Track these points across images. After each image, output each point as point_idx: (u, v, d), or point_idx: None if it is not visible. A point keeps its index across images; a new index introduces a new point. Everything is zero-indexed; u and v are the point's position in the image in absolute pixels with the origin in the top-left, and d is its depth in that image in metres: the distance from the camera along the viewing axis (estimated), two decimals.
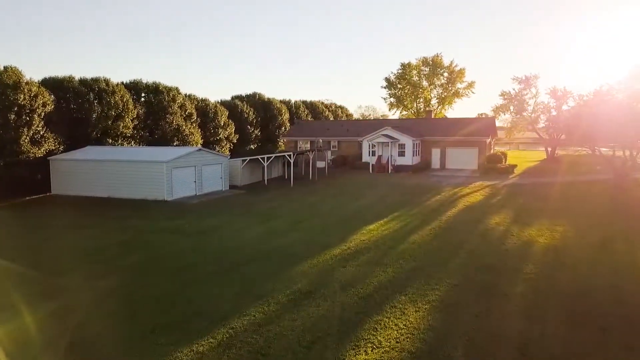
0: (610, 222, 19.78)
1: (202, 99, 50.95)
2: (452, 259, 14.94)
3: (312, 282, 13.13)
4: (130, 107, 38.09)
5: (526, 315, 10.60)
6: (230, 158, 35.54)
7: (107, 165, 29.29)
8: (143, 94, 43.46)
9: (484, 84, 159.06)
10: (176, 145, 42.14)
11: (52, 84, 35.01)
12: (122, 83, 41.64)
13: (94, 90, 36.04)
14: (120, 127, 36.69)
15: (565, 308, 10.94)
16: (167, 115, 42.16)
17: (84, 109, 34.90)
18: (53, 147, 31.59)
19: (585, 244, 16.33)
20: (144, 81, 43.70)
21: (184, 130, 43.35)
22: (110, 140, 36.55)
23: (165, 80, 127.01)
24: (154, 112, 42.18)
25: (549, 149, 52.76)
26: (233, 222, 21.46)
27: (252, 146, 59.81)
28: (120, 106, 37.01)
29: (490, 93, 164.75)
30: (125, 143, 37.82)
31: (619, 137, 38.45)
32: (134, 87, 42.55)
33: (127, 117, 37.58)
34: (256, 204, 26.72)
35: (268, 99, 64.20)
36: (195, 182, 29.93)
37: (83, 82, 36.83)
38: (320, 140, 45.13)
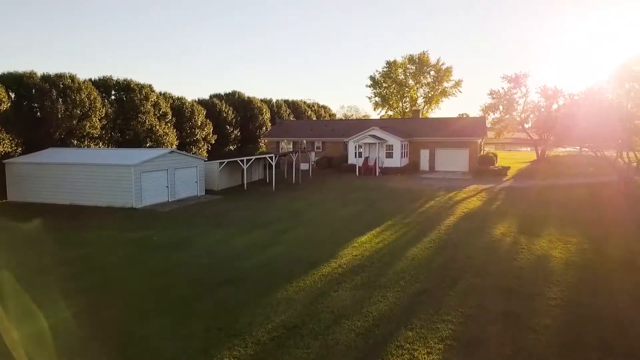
0: (625, 233, 18.02)
1: (177, 97, 48.27)
2: (460, 280, 12.88)
3: (298, 312, 10.93)
4: (98, 105, 35.28)
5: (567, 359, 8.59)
6: (207, 160, 33.06)
7: (70, 169, 26.53)
8: (113, 92, 40.62)
9: (470, 83, 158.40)
10: (149, 147, 39.41)
11: (11, 80, 32.06)
12: (90, 80, 38.76)
13: (57, 87, 33.17)
14: (87, 127, 33.86)
15: (609, 346, 8.96)
16: (140, 115, 39.40)
17: (46, 108, 32.05)
18: (9, 149, 28.71)
19: (607, 260, 14.45)
20: (115, 78, 40.82)
21: (158, 130, 40.62)
22: (75, 142, 33.71)
23: (140, 77, 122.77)
24: (125, 111, 39.38)
25: (539, 150, 51.47)
26: (208, 233, 19.09)
27: (231, 147, 57.23)
28: (87, 104, 34.20)
29: (476, 93, 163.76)
30: (92, 145, 35.01)
31: (610, 137, 37.35)
32: (104, 85, 39.70)
33: (95, 116, 34.76)
34: (234, 211, 24.37)
35: (248, 97, 61.70)
36: (167, 187, 27.40)
37: (46, 78, 33.90)
38: (304, 141, 42.98)
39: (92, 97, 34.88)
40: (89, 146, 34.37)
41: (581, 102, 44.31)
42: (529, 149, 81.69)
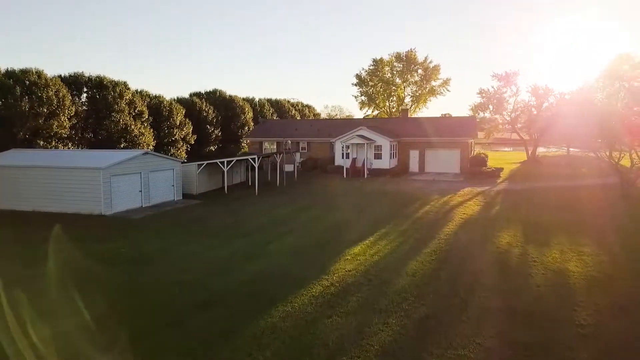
0: None
1: (155, 95, 46.06)
2: (471, 301, 11.22)
3: (286, 345, 9.15)
4: (67, 103, 32.96)
5: None
6: (184, 162, 30.97)
7: (33, 172, 24.19)
8: (85, 89, 38.26)
9: (455, 83, 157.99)
10: (123, 148, 37.11)
11: None
12: (60, 76, 36.36)
13: (22, 84, 30.78)
14: (54, 126, 31.49)
15: None
16: (113, 114, 37.14)
17: (9, 106, 29.63)
18: None
19: (631, 275, 12.96)
20: (87, 74, 38.42)
21: (133, 130, 38.38)
22: (42, 142, 31.32)
23: (117, 75, 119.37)
24: (98, 110, 37.06)
25: (529, 150, 50.42)
26: (183, 244, 17.13)
27: (212, 148, 55.10)
28: (55, 102, 31.88)
29: (462, 93, 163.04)
30: (60, 145, 32.64)
31: (600, 137, 36.42)
32: (75, 81, 37.37)
33: (63, 115, 32.43)
34: (214, 218, 22.42)
35: (230, 96, 59.63)
36: (141, 191, 25.27)
37: (9, 73, 31.54)
38: (289, 142, 41.08)
39: (60, 94, 32.57)
40: (56, 147, 32.01)
41: (572, 101, 43.49)
42: (510, 148, 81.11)
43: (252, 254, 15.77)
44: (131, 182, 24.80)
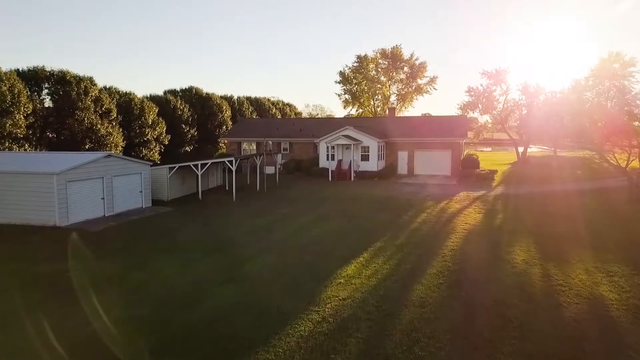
0: None
1: (125, 92, 42.92)
2: (502, 345, 8.96)
3: None
4: (24, 100, 29.80)
5: None
6: (156, 165, 28.21)
7: None
8: (46, 85, 35.02)
9: (441, 82, 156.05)
10: (89, 149, 34.08)
11: None
12: (17, 70, 33.14)
13: None
14: (8, 125, 28.30)
15: None
16: (77, 112, 34.01)
17: None
18: None
19: None
20: (48, 69, 35.18)
21: (100, 130, 35.31)
22: None
23: (87, 71, 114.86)
24: (60, 108, 33.90)
25: (519, 151, 48.84)
26: (144, 265, 14.53)
27: (187, 148, 52.15)
28: (9, 99, 28.68)
29: (447, 91, 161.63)
30: (15, 147, 29.44)
31: (593, 136, 35.02)
32: (34, 76, 34.13)
33: (19, 112, 29.25)
34: (184, 229, 19.82)
35: (207, 94, 56.74)
36: (103, 199, 22.46)
37: None
38: (270, 142, 38.56)
39: (15, 90, 29.40)
40: (10, 149, 28.83)
41: (564, 100, 42.07)
42: (489, 149, 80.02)
43: (224, 277, 13.28)
44: (91, 188, 21.98)
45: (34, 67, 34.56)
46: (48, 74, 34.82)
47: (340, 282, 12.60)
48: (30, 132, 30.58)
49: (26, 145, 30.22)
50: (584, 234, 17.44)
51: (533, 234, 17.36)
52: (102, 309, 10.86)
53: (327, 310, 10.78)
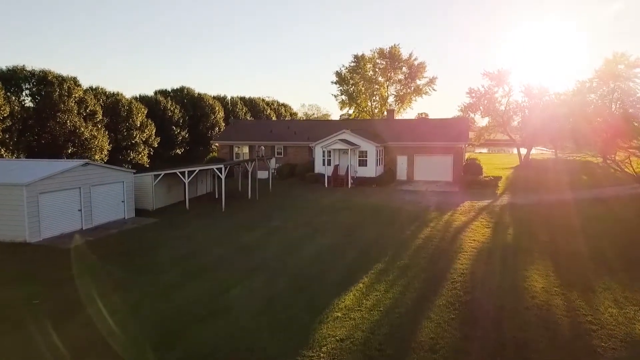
0: None
1: (112, 93, 41.11)
2: None
3: None
4: (0, 101, 27.95)
5: None
6: (140, 172, 26.52)
7: None
8: (27, 85, 33.23)
9: (441, 83, 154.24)
10: (71, 153, 32.34)
11: None
12: None
13: None
14: None
15: None
16: (59, 114, 32.23)
17: None
18: None
19: None
20: (29, 68, 33.40)
21: (84, 133, 33.53)
22: None
23: (74, 72, 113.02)
24: (40, 110, 32.12)
25: (522, 153, 47.27)
26: (116, 291, 12.87)
27: (178, 151, 50.40)
28: None
29: (445, 93, 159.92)
30: None
31: (597, 140, 33.61)
32: (13, 76, 32.34)
33: None
34: (166, 244, 18.17)
35: (199, 94, 55.00)
36: (80, 210, 20.76)
37: None
38: (262, 148, 36.77)
39: None
40: None
41: (568, 102, 40.58)
42: (486, 150, 78.39)
43: (205, 308, 11.65)
44: (67, 199, 20.27)
45: (13, 67, 32.77)
46: (28, 73, 33.05)
47: (337, 317, 11.00)
48: (7, 135, 28.77)
49: (2, 150, 28.43)
50: (605, 253, 15.88)
51: (549, 254, 15.77)
52: (59, 352, 9.21)
53: (322, 355, 9.19)
